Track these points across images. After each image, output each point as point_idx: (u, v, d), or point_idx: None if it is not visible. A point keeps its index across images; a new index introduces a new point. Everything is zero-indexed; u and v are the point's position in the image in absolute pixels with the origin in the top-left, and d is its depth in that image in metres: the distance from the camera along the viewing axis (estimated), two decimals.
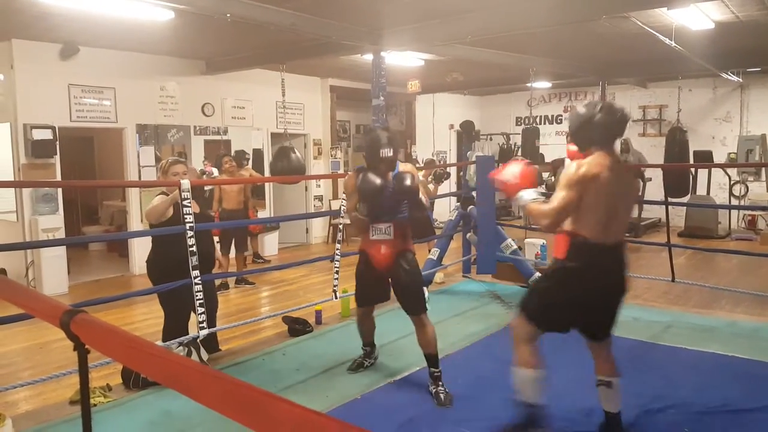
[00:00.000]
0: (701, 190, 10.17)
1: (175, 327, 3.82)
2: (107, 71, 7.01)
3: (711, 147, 10.34)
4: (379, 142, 3.23)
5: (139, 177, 7.38)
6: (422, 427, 3.10)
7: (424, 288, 3.88)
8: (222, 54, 7.57)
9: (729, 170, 10.25)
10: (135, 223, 7.38)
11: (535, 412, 2.63)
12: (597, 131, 2.56)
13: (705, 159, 9.90)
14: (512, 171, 2.70)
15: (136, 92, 7.30)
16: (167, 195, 3.77)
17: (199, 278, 3.65)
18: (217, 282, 6.18)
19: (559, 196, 2.49)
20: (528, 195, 2.62)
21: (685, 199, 9.24)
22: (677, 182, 9.13)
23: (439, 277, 6.39)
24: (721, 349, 4.08)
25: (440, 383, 3.38)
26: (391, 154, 3.25)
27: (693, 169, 9.98)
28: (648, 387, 2.78)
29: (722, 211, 9.97)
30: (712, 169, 10.27)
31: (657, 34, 5.74)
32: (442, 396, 3.33)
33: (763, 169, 9.89)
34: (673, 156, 9.55)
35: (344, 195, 3.47)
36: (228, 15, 4.68)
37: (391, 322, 4.24)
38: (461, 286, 6.26)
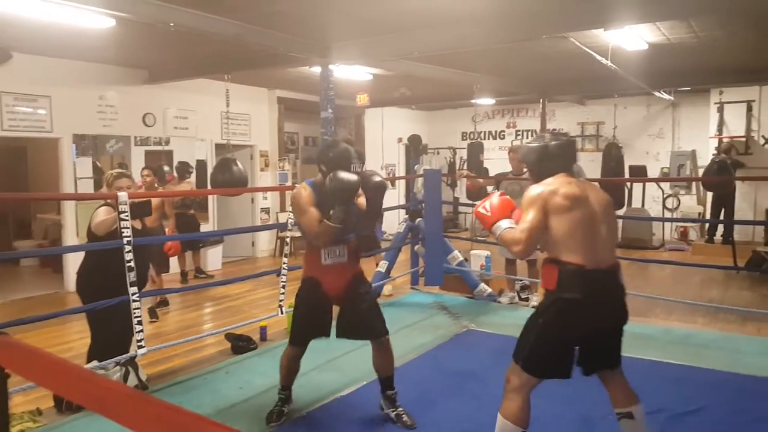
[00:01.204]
0: (636, 203, 10.64)
1: (106, 346, 3.67)
2: (43, 79, 6.70)
3: (645, 162, 10.85)
4: (348, 156, 3.07)
5: (75, 189, 7.06)
6: None
7: None
8: (165, 63, 7.37)
9: (662, 184, 10.79)
10: (70, 237, 7.04)
11: None
12: (554, 158, 2.56)
13: (640, 173, 10.39)
14: (487, 204, 2.64)
15: (73, 101, 7.00)
16: (111, 206, 3.66)
17: (138, 295, 3.52)
18: (155, 300, 5.96)
19: (524, 218, 2.44)
20: (503, 224, 2.56)
21: (621, 212, 9.59)
22: (613, 195, 9.30)
23: (387, 289, 6.40)
24: (656, 356, 4.26)
25: (398, 404, 3.29)
26: (359, 169, 3.10)
27: (628, 183, 10.45)
28: (585, 394, 2.87)
29: (656, 223, 10.44)
30: (647, 183, 10.81)
31: (594, 54, 6.00)
32: (405, 418, 3.23)
33: (694, 183, 10.44)
34: (609, 170, 9.96)
35: (297, 210, 3.14)
36: (171, 24, 4.57)
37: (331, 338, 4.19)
38: (409, 298, 6.29)
